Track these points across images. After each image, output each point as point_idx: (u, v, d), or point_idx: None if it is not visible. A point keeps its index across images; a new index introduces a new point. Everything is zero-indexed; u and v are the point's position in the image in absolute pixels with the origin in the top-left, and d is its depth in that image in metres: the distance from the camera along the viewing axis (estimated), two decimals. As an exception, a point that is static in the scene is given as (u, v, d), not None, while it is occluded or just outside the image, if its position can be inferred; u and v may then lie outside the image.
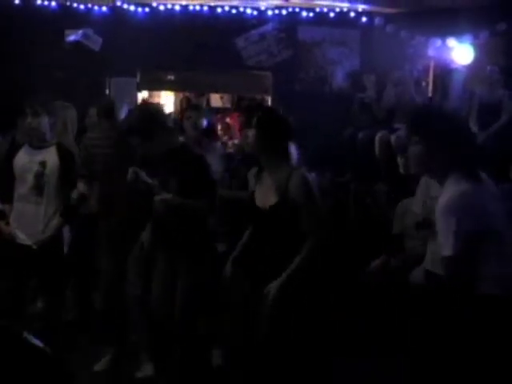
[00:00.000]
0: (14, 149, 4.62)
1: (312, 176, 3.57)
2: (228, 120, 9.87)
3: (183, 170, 3.91)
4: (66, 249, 4.74)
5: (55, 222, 4.42)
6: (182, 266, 4.00)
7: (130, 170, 3.93)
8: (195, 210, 3.94)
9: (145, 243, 4.24)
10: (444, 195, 2.89)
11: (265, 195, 3.56)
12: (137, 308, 4.40)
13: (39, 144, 4.45)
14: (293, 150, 3.62)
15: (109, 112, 4.98)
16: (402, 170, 6.87)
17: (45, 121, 4.41)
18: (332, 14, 9.13)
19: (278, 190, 3.47)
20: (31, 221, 4.41)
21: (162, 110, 4.37)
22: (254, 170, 4.38)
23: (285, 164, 3.53)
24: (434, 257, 4.29)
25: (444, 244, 2.85)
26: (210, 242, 4.09)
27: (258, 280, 3.51)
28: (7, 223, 4.46)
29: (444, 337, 3.03)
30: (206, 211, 4.01)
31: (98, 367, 4.52)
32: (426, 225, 3.99)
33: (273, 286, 3.42)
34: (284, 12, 9.17)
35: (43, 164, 4.40)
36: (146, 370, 4.44)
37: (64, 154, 4.47)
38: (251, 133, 3.59)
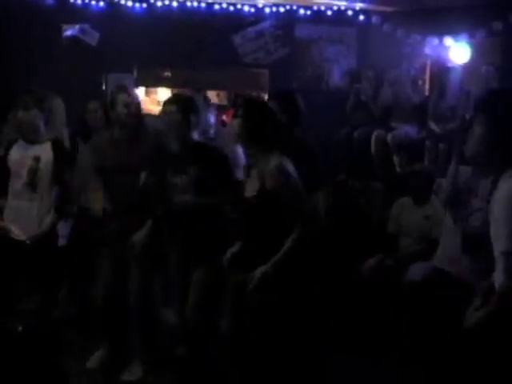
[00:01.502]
0: (7, 144, 4.60)
1: (290, 164, 3.55)
2: (224, 117, 9.85)
3: (205, 167, 4.03)
4: (63, 241, 4.76)
5: (49, 217, 4.41)
6: (195, 263, 4.09)
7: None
8: (210, 207, 4.04)
9: (137, 244, 4.23)
10: (505, 188, 2.67)
11: (252, 186, 3.59)
12: (136, 313, 4.33)
13: (33, 139, 4.44)
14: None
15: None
16: (397, 169, 6.90)
17: (37, 115, 4.39)
18: (329, 12, 9.12)
19: (259, 179, 3.50)
20: (25, 217, 4.40)
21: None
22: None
23: (270, 154, 3.54)
24: (443, 255, 4.28)
25: (504, 236, 2.62)
26: (222, 240, 4.05)
27: (245, 270, 3.53)
28: (1, 218, 4.46)
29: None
30: (220, 208, 4.06)
31: (90, 364, 4.43)
32: None
33: (257, 272, 3.44)
34: (281, 9, 9.16)
35: (37, 159, 4.39)
36: (135, 371, 4.35)
37: (59, 149, 4.45)
38: (235, 121, 3.61)
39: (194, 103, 4.36)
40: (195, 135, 4.32)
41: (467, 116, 6.94)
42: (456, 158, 4.13)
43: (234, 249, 3.78)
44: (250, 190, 3.60)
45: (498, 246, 2.64)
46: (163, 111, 4.27)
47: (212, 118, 6.99)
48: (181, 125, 4.16)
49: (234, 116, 3.66)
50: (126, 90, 4.39)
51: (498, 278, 2.67)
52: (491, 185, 2.91)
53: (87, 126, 5.59)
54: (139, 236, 4.24)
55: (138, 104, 4.47)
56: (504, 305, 2.66)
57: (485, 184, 3.83)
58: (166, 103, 4.29)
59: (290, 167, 3.51)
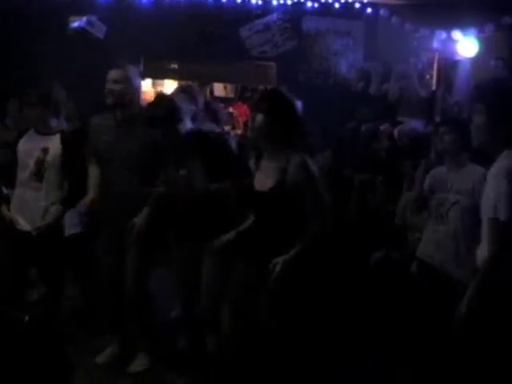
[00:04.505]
0: (17, 134, 4.62)
1: (312, 161, 3.55)
2: (231, 110, 9.85)
3: (207, 153, 4.08)
4: (73, 230, 4.77)
5: (55, 209, 4.41)
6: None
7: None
8: (221, 193, 4.09)
9: (136, 225, 4.20)
10: (496, 165, 2.97)
11: (264, 179, 3.56)
12: (134, 303, 4.31)
13: (44, 131, 4.45)
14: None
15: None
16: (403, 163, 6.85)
17: (42, 110, 4.39)
18: (337, 5, 9.09)
19: (278, 172, 3.47)
20: (31, 207, 4.41)
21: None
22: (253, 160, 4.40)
23: (289, 149, 3.52)
24: (426, 248, 4.33)
25: (493, 207, 2.90)
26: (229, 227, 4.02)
27: (258, 262, 3.51)
28: (9, 209, 4.47)
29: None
30: (228, 194, 4.08)
31: (99, 359, 4.41)
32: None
33: (279, 261, 3.39)
34: (289, 2, 9.14)
35: (45, 151, 4.40)
36: (141, 363, 4.35)
37: (67, 141, 4.45)
38: (259, 117, 3.55)
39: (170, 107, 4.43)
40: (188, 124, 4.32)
41: (437, 119, 6.97)
42: (425, 161, 4.23)
43: (230, 236, 3.79)
44: (261, 183, 3.58)
45: (488, 214, 2.92)
46: None
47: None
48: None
49: (257, 109, 3.61)
50: (121, 67, 4.28)
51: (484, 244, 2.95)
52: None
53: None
54: (140, 218, 4.20)
55: (129, 83, 4.29)
56: (491, 271, 2.89)
57: (458, 178, 4.06)
58: None
59: (312, 163, 3.51)
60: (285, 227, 3.47)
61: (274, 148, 3.55)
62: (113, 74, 4.24)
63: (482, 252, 2.98)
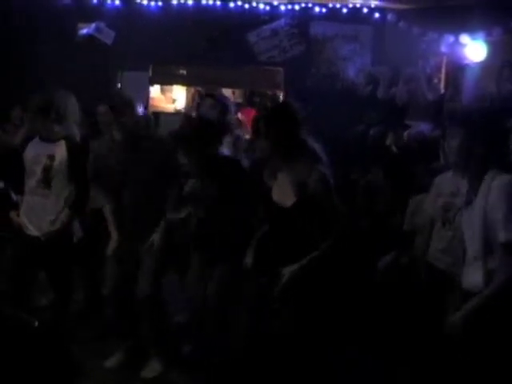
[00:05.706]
0: (25, 141, 4.63)
1: (329, 172, 3.56)
2: (239, 115, 9.85)
3: (221, 175, 4.02)
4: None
5: (63, 215, 4.42)
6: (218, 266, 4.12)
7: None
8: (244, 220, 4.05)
9: (155, 244, 4.27)
10: (500, 181, 3.05)
11: (283, 192, 3.55)
12: (147, 308, 4.34)
13: (48, 137, 4.47)
14: (312, 143, 3.61)
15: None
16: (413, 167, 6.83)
17: (46, 117, 4.41)
18: (345, 10, 9.12)
19: (298, 187, 3.47)
20: (39, 213, 4.42)
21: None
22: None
23: (302, 158, 3.52)
24: (434, 252, 4.32)
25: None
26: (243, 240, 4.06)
27: (276, 274, 3.52)
28: (18, 214, 4.49)
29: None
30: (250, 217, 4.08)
31: (109, 363, 4.44)
32: None
33: (287, 270, 3.45)
34: (297, 7, 9.16)
35: (51, 157, 4.40)
36: (154, 368, 4.37)
37: (72, 147, 4.47)
38: (260, 142, 3.58)
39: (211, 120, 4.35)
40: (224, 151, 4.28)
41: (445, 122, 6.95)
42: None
43: (253, 252, 3.78)
44: (280, 196, 3.57)
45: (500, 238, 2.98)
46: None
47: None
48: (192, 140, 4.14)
49: (257, 134, 3.62)
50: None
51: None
52: (470, 187, 3.32)
53: (99, 128, 5.54)
54: (157, 235, 4.29)
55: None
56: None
57: (465, 182, 4.00)
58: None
59: (329, 175, 3.52)
60: (303, 239, 3.50)
61: (284, 163, 3.56)
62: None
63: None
